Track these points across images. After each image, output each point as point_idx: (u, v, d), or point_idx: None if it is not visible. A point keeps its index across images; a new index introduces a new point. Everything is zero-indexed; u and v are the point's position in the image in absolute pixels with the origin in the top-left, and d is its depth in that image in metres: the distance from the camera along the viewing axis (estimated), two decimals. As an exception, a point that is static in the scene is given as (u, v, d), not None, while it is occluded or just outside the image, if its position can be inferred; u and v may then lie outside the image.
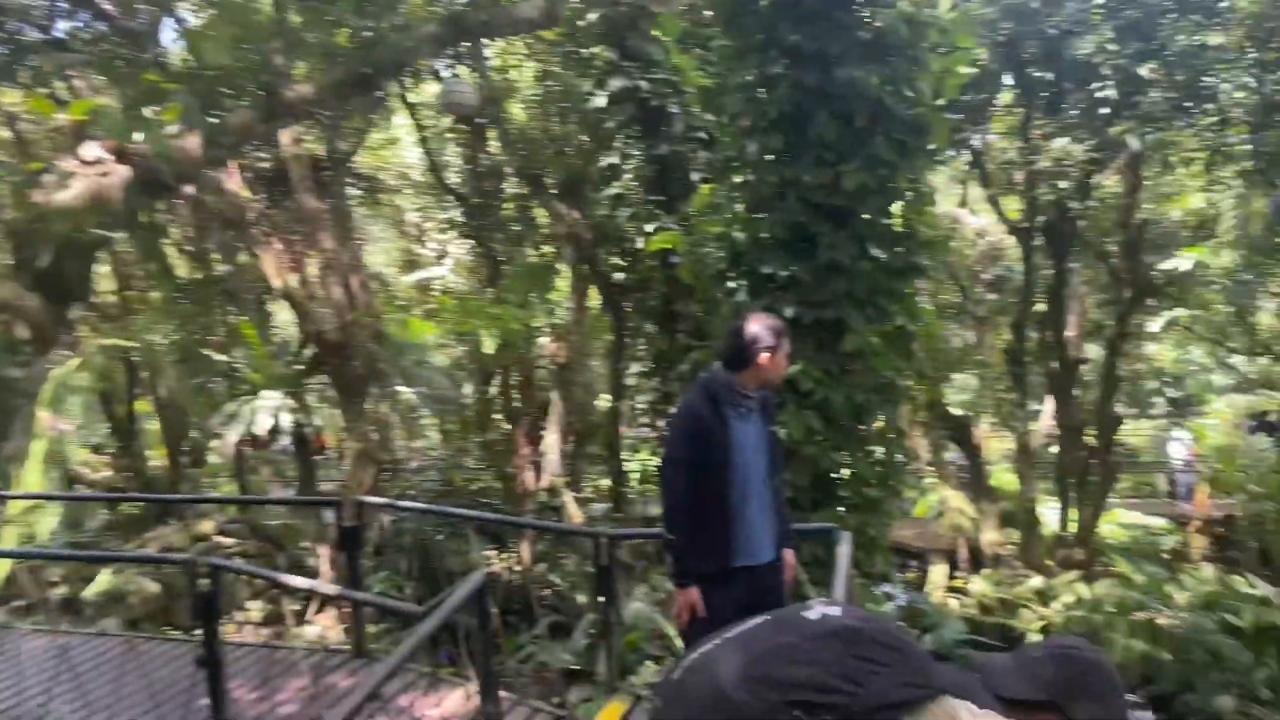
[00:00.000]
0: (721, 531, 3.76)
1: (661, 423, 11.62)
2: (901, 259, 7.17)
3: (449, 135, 22.47)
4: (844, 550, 4.08)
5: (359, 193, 20.47)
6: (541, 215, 14.87)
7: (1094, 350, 17.32)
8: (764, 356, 3.78)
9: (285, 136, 12.26)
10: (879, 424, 7.49)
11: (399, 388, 18.72)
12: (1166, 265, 15.53)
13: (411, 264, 24.14)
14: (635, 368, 12.36)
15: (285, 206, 12.78)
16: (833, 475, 7.28)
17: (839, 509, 7.31)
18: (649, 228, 10.77)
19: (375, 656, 6.51)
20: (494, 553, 15.21)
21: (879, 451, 7.54)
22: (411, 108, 17.58)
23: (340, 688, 5.93)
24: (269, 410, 12.07)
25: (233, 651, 6.75)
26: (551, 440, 12.50)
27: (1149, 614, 12.99)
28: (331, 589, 4.22)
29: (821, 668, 1.84)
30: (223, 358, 13.08)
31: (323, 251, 12.31)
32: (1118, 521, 17.60)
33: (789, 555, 3.99)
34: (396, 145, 25.90)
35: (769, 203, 7.17)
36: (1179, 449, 23.55)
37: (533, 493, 13.47)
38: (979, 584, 14.70)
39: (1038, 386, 16.72)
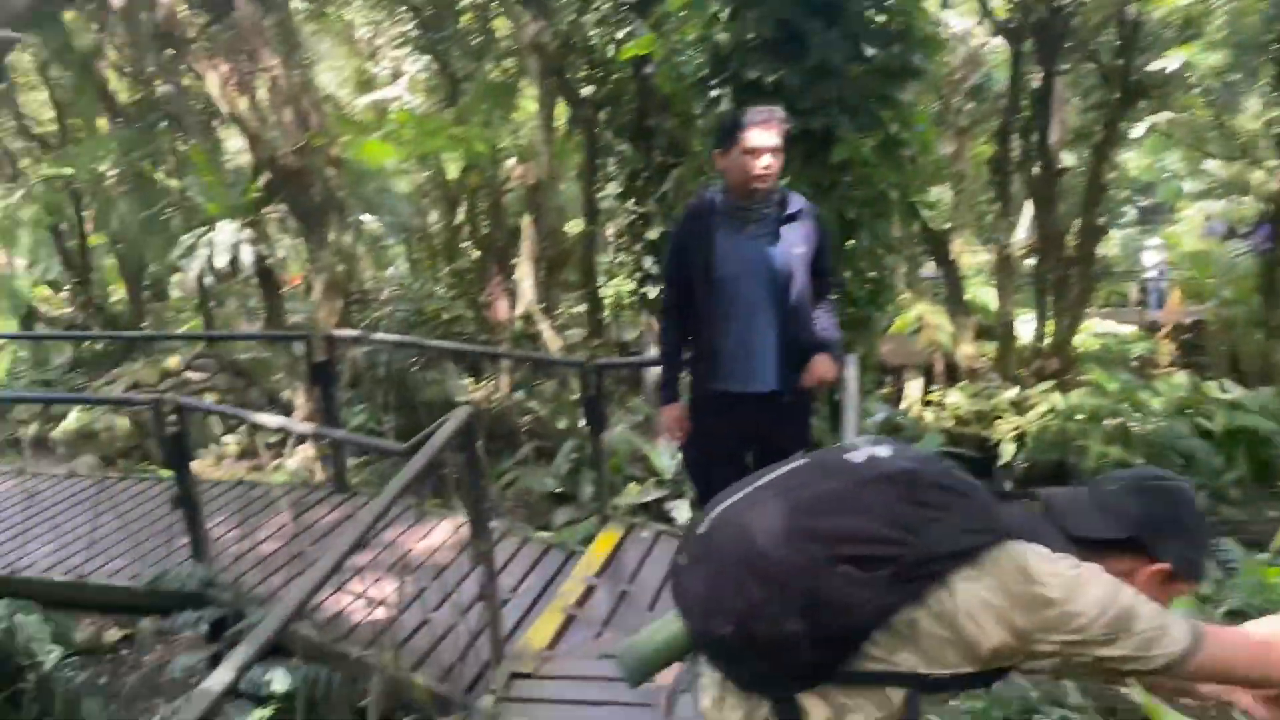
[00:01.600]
0: (705, 353, 3.53)
1: (639, 246, 11.24)
2: (896, 60, 6.65)
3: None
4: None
5: (305, 4, 19.14)
6: (502, 25, 13.89)
7: (1071, 159, 16.91)
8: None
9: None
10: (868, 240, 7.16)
11: (363, 217, 18.17)
12: (1154, 66, 14.98)
13: (365, 85, 22.92)
14: (609, 189, 11.84)
15: (225, 22, 11.80)
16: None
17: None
18: (620, 34, 10.02)
19: (357, 491, 6.39)
20: (470, 382, 15.13)
21: (867, 269, 7.25)
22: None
23: (323, 523, 5.81)
24: (227, 242, 11.54)
25: (209, 490, 6.60)
26: (525, 267, 12.11)
27: (1121, 420, 13.22)
28: (308, 428, 3.99)
29: (873, 516, 1.60)
30: (175, 184, 12.39)
31: (269, 70, 11.45)
32: (1091, 331, 17.72)
33: (819, 364, 3.48)
34: (342, -48, 24.10)
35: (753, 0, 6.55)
36: (1152, 257, 23.48)
37: (507, 321, 13.20)
38: (955, 397, 14.86)
39: (1016, 198, 16.40)
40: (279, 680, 4.52)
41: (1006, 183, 14.52)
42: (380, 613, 4.58)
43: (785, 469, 1.78)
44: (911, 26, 6.65)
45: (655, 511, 11.93)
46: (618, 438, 12.48)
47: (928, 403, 15.00)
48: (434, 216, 24.04)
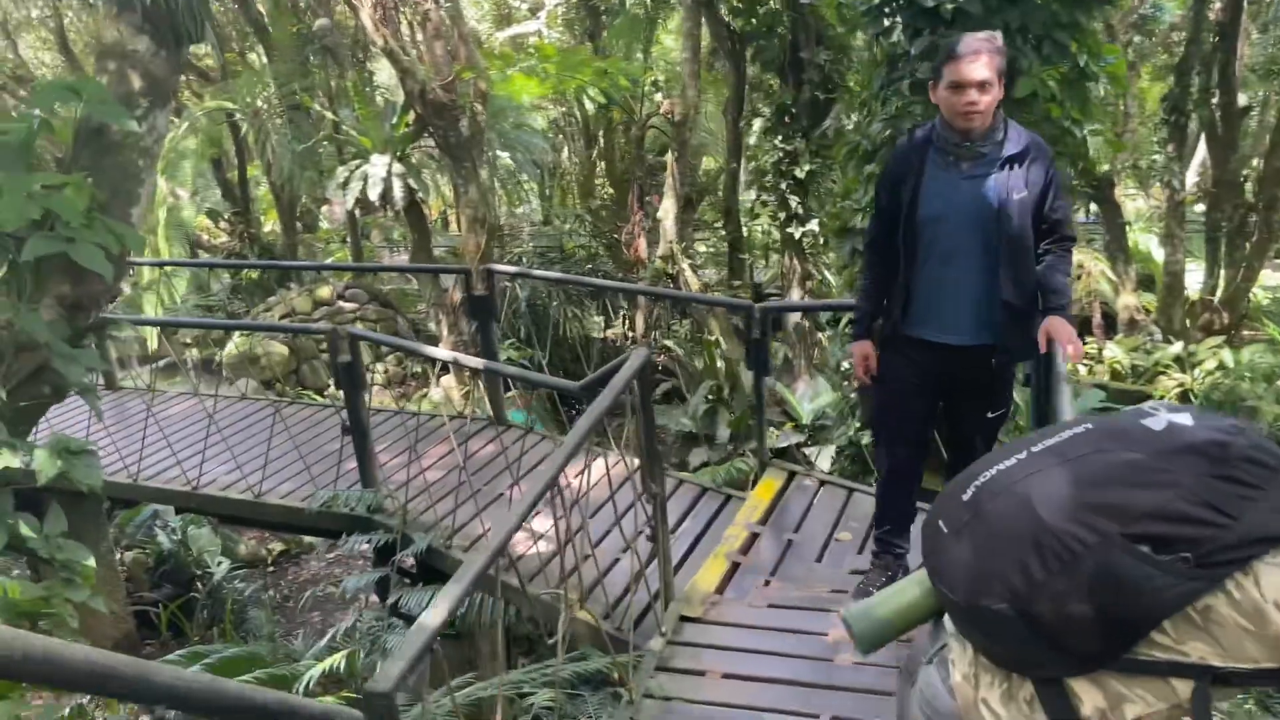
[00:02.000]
0: (900, 294, 3.29)
1: (785, 185, 10.94)
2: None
3: None
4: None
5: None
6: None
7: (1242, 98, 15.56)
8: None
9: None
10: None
11: (498, 152, 18.28)
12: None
13: (503, 19, 22.97)
14: (757, 125, 11.52)
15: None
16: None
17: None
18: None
19: (513, 424, 6.46)
20: (602, 320, 15.19)
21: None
22: None
23: (481, 454, 5.90)
24: (379, 175, 11.79)
25: (372, 417, 6.82)
26: (667, 205, 11.96)
27: (1300, 380, 12.30)
28: (479, 362, 4.01)
29: (1179, 492, 1.42)
30: (330, 116, 12.69)
31: (420, 3, 11.53)
32: (1261, 285, 16.49)
33: (1057, 327, 3.00)
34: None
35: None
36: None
37: (646, 259, 13.13)
38: (1113, 350, 14.09)
39: (1190, 139, 15.24)
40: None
41: (1183, 122, 13.47)
42: (544, 546, 4.63)
43: (1066, 434, 1.61)
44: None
45: (791, 457, 11.82)
46: (752, 379, 12.36)
47: (1083, 356, 14.26)
48: (567, 153, 24.11)
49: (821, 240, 11.21)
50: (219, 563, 8.17)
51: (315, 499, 5.29)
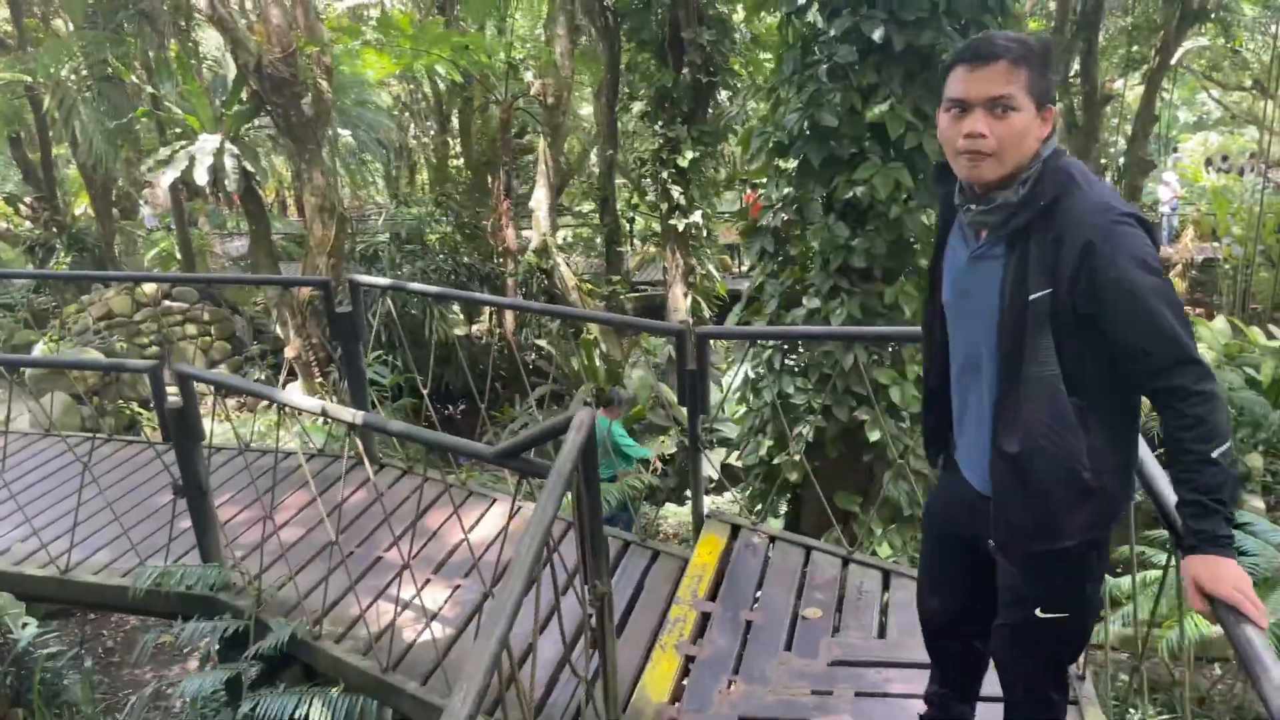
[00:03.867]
0: (923, 401, 2.41)
1: (665, 173, 10.21)
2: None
3: None
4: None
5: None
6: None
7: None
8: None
9: None
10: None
11: (339, 130, 16.87)
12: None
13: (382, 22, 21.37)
14: (635, 109, 10.74)
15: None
16: (911, 240, 6.12)
17: (909, 282, 6.22)
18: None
19: (387, 463, 5.50)
20: (463, 319, 14.15)
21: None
22: None
23: (352, 503, 4.92)
24: (208, 155, 10.38)
25: (211, 458, 5.69)
26: (540, 195, 11.05)
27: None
28: (351, 415, 3.08)
29: None
30: (149, 90, 11.12)
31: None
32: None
33: (1201, 570, 1.83)
34: None
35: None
36: (1166, 192, 22.63)
37: (513, 252, 12.18)
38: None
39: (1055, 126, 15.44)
40: (316, 714, 3.70)
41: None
42: (440, 628, 3.75)
43: None
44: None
45: (678, 463, 11.19)
46: (636, 380, 11.64)
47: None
48: (414, 132, 22.69)
49: (705, 233, 10.58)
50: (23, 625, 6.83)
51: (141, 575, 4.21)
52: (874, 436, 6.15)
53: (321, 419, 4.42)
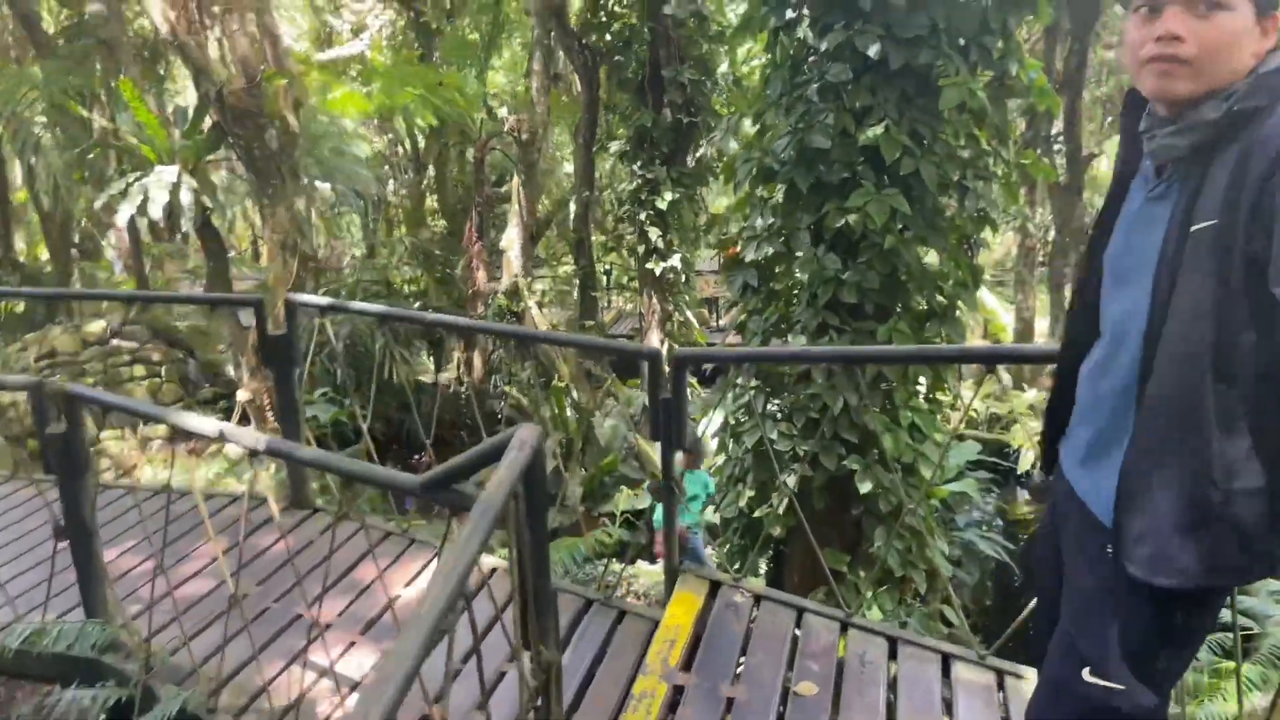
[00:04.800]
0: (1051, 391, 1.89)
1: (642, 215, 9.78)
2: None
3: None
4: None
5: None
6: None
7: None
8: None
9: None
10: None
11: (318, 183, 16.43)
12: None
13: (324, 41, 21.15)
14: (613, 148, 10.35)
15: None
16: (903, 276, 5.64)
17: (904, 319, 5.74)
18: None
19: (320, 508, 4.89)
20: (431, 362, 13.57)
21: (959, 244, 5.91)
22: None
23: (274, 553, 4.31)
24: (163, 189, 9.85)
25: (118, 501, 5.06)
26: (512, 235, 10.60)
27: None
28: (256, 440, 2.54)
29: None
30: (105, 124, 10.63)
31: (220, -11, 9.77)
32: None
33: None
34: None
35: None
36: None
37: (484, 294, 11.67)
38: (965, 396, 13.68)
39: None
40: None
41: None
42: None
43: None
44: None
45: (650, 519, 10.57)
46: (608, 430, 11.06)
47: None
48: (393, 186, 22.33)
49: (684, 278, 10.12)
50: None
51: (12, 632, 3.58)
52: (864, 488, 5.61)
53: (267, 461, 3.85)
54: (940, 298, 5.81)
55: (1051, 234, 14.69)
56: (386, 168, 22.29)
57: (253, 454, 2.85)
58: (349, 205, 24.34)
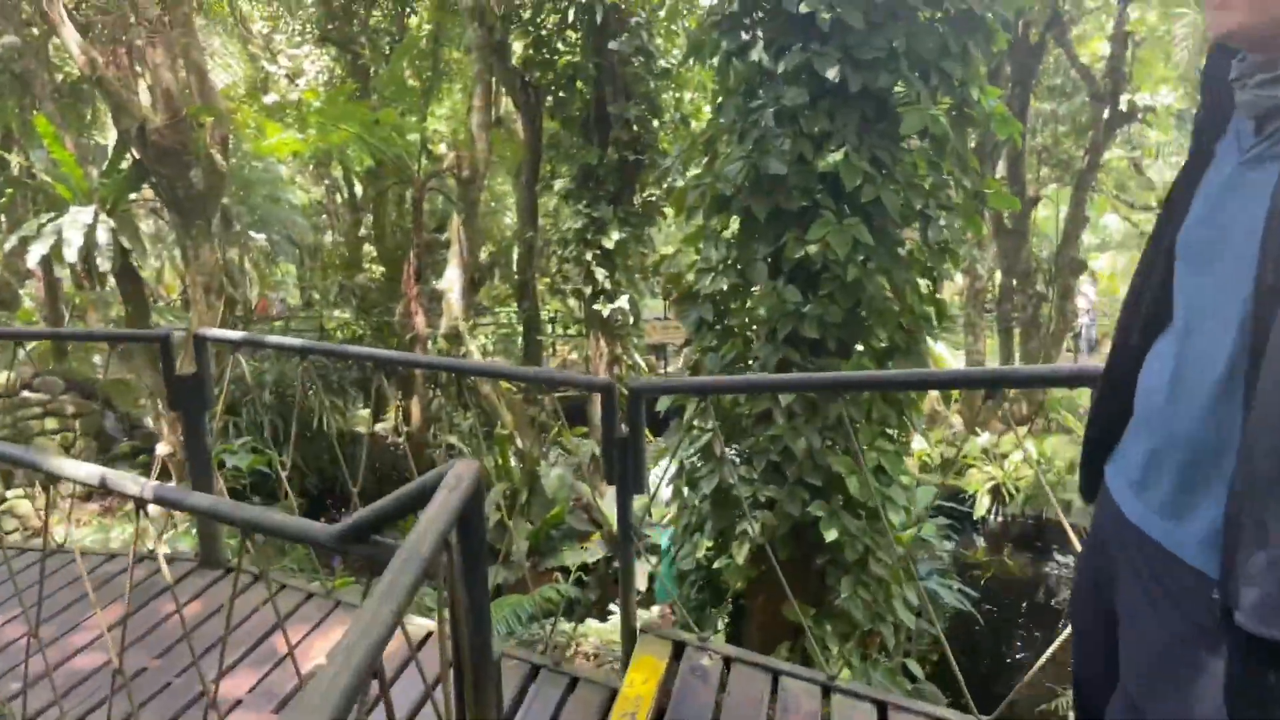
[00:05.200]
0: (1095, 400, 1.53)
1: (588, 255, 9.46)
2: (974, 6, 5.12)
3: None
4: None
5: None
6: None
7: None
8: None
9: None
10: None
11: (251, 234, 15.91)
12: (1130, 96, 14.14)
13: (261, 89, 20.70)
14: (557, 186, 10.04)
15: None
16: (864, 310, 5.37)
17: (867, 355, 5.47)
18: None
19: (233, 566, 4.38)
20: (367, 411, 13.02)
21: (921, 275, 5.66)
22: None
23: (177, 621, 3.80)
24: (78, 231, 9.28)
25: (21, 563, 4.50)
26: (452, 276, 10.18)
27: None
28: (138, 488, 2.12)
29: None
30: (16, 161, 10.05)
31: (144, 21, 9.33)
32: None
33: None
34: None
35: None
36: (1083, 302, 22.90)
37: (423, 339, 11.20)
38: (918, 443, 13.51)
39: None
40: None
41: (979, 210, 13.37)
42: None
43: None
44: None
45: (601, 572, 10.10)
46: (555, 481, 10.60)
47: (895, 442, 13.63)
48: (331, 236, 21.81)
49: (631, 319, 9.80)
50: None
51: None
52: (830, 535, 5.26)
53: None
54: (901, 333, 5.54)
55: (998, 277, 14.72)
56: (324, 216, 21.80)
57: (137, 504, 2.41)
58: (284, 254, 23.73)
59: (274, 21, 22.61)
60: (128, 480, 2.43)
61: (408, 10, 16.17)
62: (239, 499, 9.18)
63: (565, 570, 9.10)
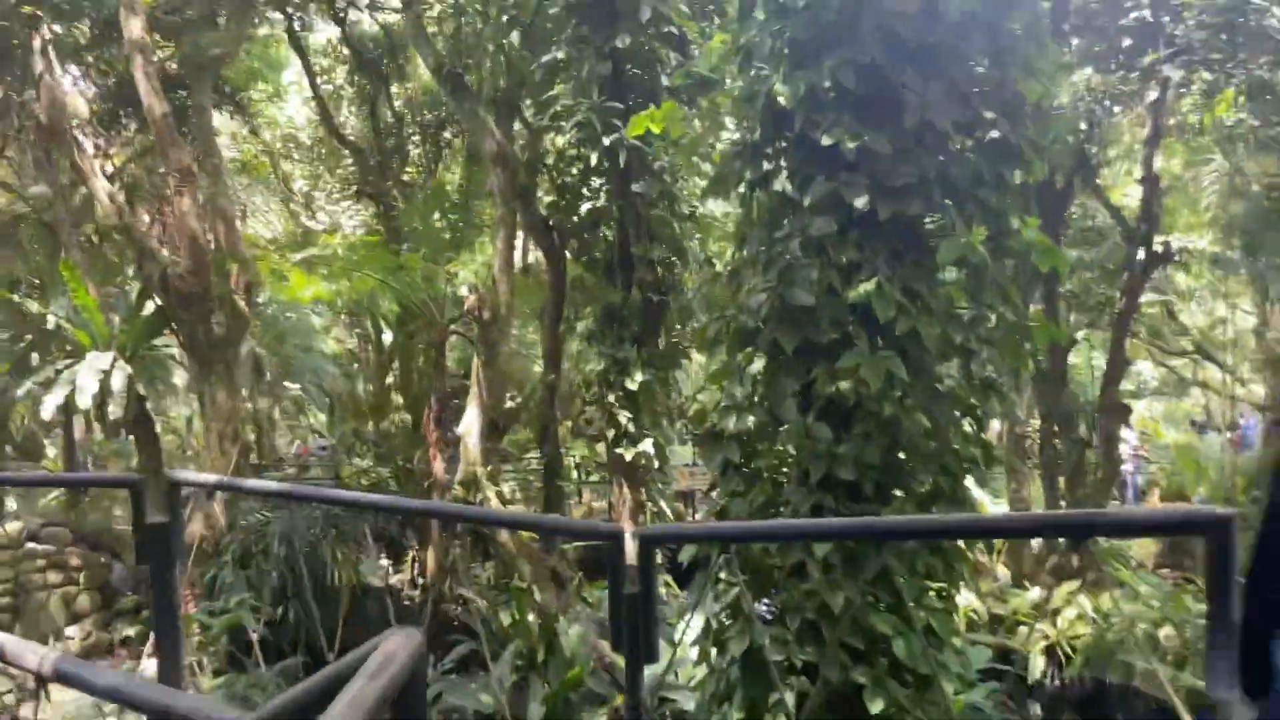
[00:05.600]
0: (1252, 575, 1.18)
1: (611, 397, 9.14)
2: (1015, 130, 4.89)
3: (347, 86, 19.69)
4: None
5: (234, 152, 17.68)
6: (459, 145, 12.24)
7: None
8: None
9: (130, 28, 9.40)
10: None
11: (286, 384, 15.87)
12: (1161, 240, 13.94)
13: (301, 243, 21.23)
14: (580, 327, 9.84)
15: (126, 115, 9.88)
16: (902, 452, 4.94)
17: (909, 500, 4.99)
18: (607, 140, 8.28)
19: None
20: (389, 563, 12.52)
21: (966, 416, 5.24)
22: (302, 51, 14.88)
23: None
24: (92, 378, 9.12)
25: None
26: (471, 420, 9.89)
27: (1163, 630, 11.23)
28: (41, 662, 1.73)
29: None
30: (37, 309, 10.04)
31: (175, 171, 9.46)
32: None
33: None
34: (283, 98, 23.03)
35: (832, 33, 4.79)
36: (1125, 449, 22.11)
37: (441, 485, 10.82)
38: (964, 596, 12.69)
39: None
40: None
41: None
42: None
43: None
44: (1032, 85, 4.93)
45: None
46: (574, 638, 9.96)
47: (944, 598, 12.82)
48: (363, 385, 21.84)
49: (656, 464, 9.37)
50: None
51: None
52: (875, 707, 4.66)
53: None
54: (945, 476, 5.08)
55: (1037, 422, 14.21)
56: (356, 365, 21.87)
57: (38, 681, 2.00)
58: (314, 403, 23.65)
59: (314, 180, 23.39)
60: (27, 651, 2.03)
61: (437, 164, 16.59)
62: (245, 654, 8.64)
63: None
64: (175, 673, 3.78)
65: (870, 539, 3.77)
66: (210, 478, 3.72)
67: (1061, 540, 13.31)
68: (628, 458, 8.87)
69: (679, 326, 9.65)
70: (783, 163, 5.03)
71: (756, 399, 5.07)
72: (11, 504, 11.66)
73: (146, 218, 11.16)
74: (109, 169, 9.92)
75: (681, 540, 4.03)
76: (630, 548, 2.70)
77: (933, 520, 4.01)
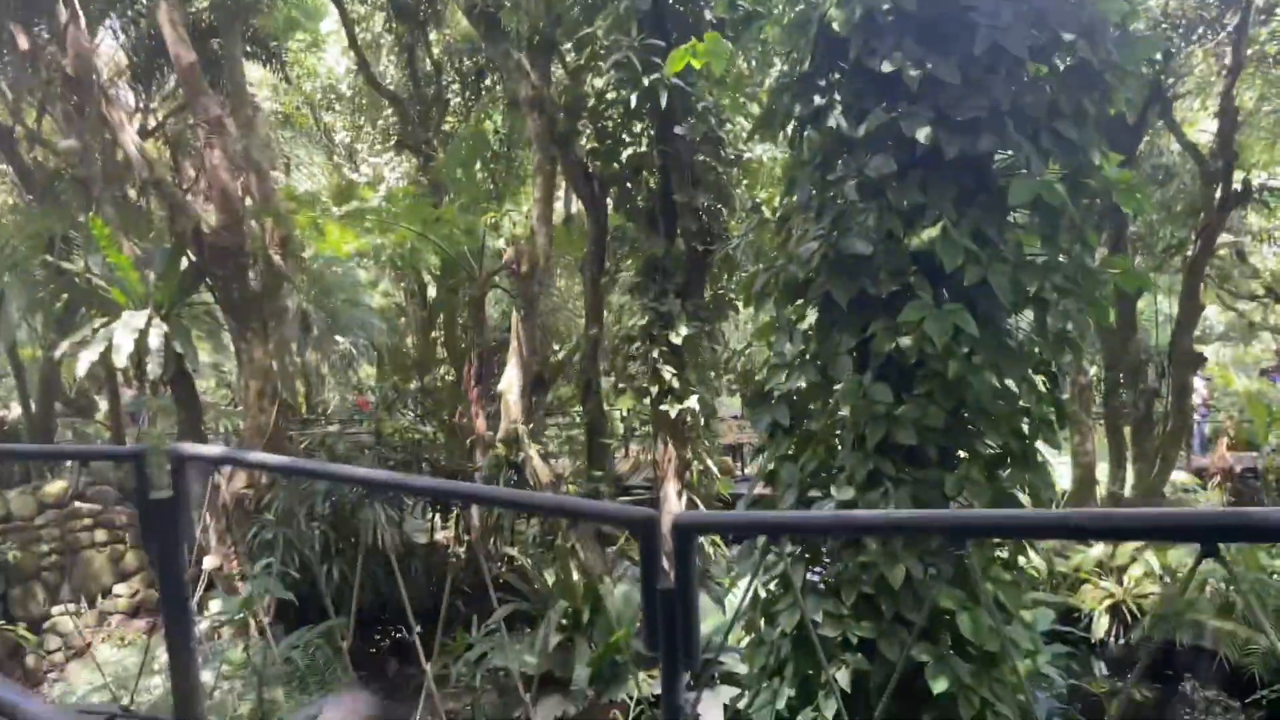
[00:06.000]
0: None
1: (655, 352, 8.77)
2: (1094, 58, 4.38)
3: (385, 34, 19.32)
4: None
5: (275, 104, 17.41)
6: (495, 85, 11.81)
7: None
8: None
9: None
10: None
11: (337, 338, 15.75)
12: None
13: (343, 195, 21.00)
14: (622, 280, 9.47)
15: (162, 68, 9.61)
16: (968, 413, 4.53)
17: (974, 464, 4.58)
18: (645, 81, 7.82)
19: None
20: (430, 521, 12.40)
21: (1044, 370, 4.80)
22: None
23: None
24: (129, 336, 8.98)
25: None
26: (511, 376, 9.63)
27: (1232, 587, 10.73)
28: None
29: None
30: (70, 267, 9.91)
31: (204, 122, 9.20)
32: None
33: None
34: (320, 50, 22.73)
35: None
36: (1194, 396, 21.25)
37: (485, 442, 10.60)
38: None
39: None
40: None
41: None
42: None
43: None
44: (1115, 2, 4.40)
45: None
46: (620, 599, 9.74)
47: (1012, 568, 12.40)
48: (412, 339, 21.74)
49: (703, 420, 9.03)
50: None
51: None
52: (939, 686, 4.32)
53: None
54: (1016, 438, 4.66)
55: (1102, 372, 13.58)
56: (403, 319, 21.76)
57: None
58: (363, 356, 23.59)
59: (355, 131, 23.13)
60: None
61: (476, 113, 16.20)
62: (282, 619, 8.55)
63: (630, 701, 8.17)
64: (186, 663, 3.55)
65: (945, 537, 3.35)
66: (215, 450, 3.45)
67: (1125, 491, 12.78)
68: (672, 414, 8.53)
69: (725, 277, 9.22)
70: (836, 96, 4.57)
71: (808, 357, 4.68)
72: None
73: (192, 172, 10.89)
74: (151, 123, 9.66)
75: (723, 530, 3.69)
76: (666, 535, 2.36)
77: (1025, 515, 3.62)
